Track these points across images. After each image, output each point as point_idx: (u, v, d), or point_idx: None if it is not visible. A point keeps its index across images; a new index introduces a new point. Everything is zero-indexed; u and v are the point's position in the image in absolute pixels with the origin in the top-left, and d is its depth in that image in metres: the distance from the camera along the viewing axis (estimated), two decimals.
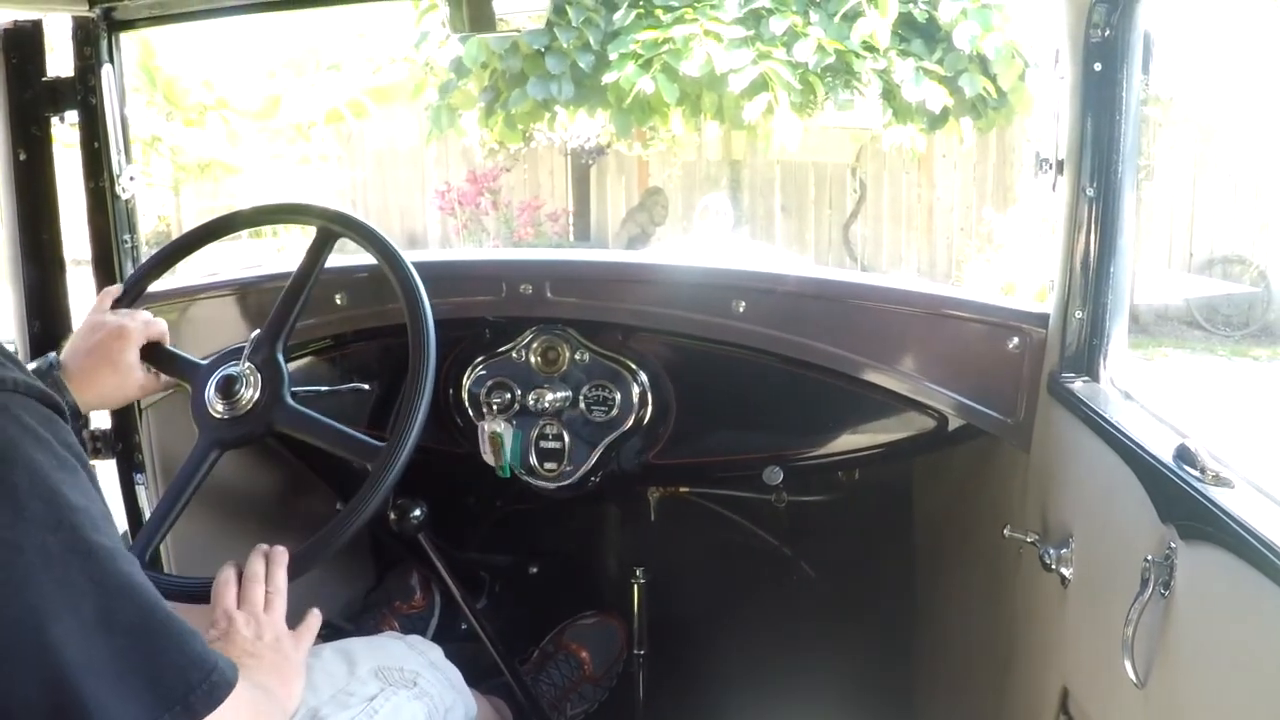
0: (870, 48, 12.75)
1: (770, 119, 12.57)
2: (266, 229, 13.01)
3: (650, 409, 2.93)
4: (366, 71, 16.20)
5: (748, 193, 17.54)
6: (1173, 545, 1.84)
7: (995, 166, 16.95)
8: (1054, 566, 2.34)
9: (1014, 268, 14.33)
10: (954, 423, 2.83)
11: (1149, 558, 1.88)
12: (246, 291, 3.12)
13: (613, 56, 12.70)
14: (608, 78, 12.77)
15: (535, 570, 3.70)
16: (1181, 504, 1.84)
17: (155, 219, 13.68)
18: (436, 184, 17.55)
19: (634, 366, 2.91)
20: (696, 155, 17.07)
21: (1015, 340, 2.66)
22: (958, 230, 17.15)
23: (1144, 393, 2.37)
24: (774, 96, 12.41)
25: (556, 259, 3.65)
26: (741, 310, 2.80)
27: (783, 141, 12.79)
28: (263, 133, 15.16)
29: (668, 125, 14.37)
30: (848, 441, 3.02)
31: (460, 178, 17.38)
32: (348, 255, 2.77)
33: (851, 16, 12.62)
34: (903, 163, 16.31)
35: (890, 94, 13.13)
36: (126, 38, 3.06)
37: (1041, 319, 2.62)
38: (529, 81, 13.23)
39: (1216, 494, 1.77)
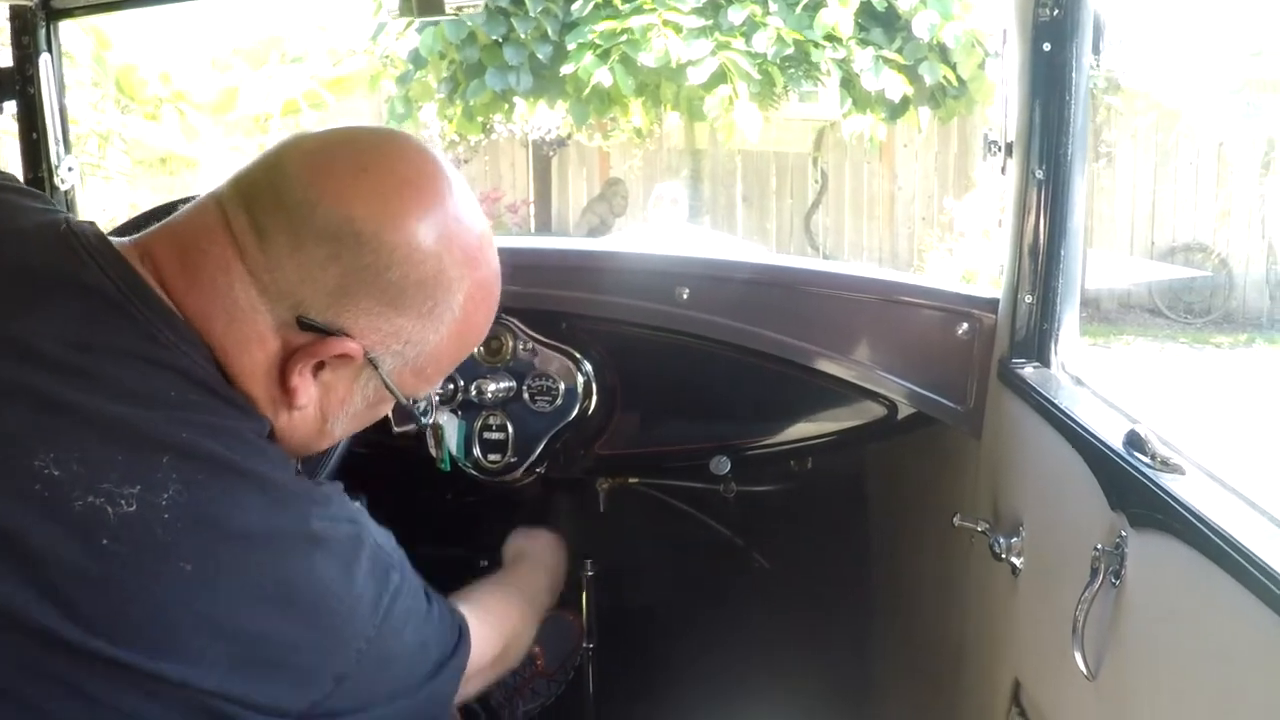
0: (831, 37, 12.75)
1: (730, 110, 12.56)
2: None
3: (595, 399, 2.88)
4: (328, 64, 16.13)
5: (709, 183, 17.57)
6: (1123, 534, 1.80)
7: (956, 156, 17.04)
8: (1004, 556, 2.30)
9: (975, 256, 14.36)
10: (904, 410, 2.79)
11: (1099, 546, 1.84)
12: None
13: (571, 47, 12.72)
14: (566, 69, 12.80)
15: (486, 564, 3.64)
16: (1131, 491, 1.80)
17: (125, 210, 13.53)
18: None
19: (578, 356, 2.85)
20: (657, 146, 17.06)
21: (965, 326, 2.63)
22: (919, 219, 17.24)
23: (1095, 378, 2.33)
24: (733, 88, 12.40)
25: (497, 247, 3.58)
26: (685, 297, 2.76)
27: (743, 132, 12.78)
28: (219, 125, 15.05)
29: (628, 116, 14.38)
30: (796, 430, 2.98)
31: None
32: None
33: (812, 6, 12.62)
34: (864, 152, 16.35)
35: (850, 83, 13.13)
36: (74, 29, 3.01)
37: (992, 304, 2.58)
38: (487, 72, 13.26)
39: (1167, 481, 1.72)
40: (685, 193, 12.45)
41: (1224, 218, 16.46)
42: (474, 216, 1.67)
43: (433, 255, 1.58)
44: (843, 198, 17.67)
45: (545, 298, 2.84)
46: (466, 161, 17.54)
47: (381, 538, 1.66)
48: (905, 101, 13.24)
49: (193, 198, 2.84)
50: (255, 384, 1.57)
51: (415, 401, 1.77)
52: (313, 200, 1.54)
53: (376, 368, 1.61)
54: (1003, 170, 2.47)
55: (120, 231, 2.69)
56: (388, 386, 1.65)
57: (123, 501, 1.39)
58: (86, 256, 1.54)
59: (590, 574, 3.22)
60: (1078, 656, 1.86)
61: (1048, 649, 2.11)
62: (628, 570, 3.39)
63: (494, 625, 2.11)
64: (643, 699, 3.41)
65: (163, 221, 1.63)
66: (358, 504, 1.69)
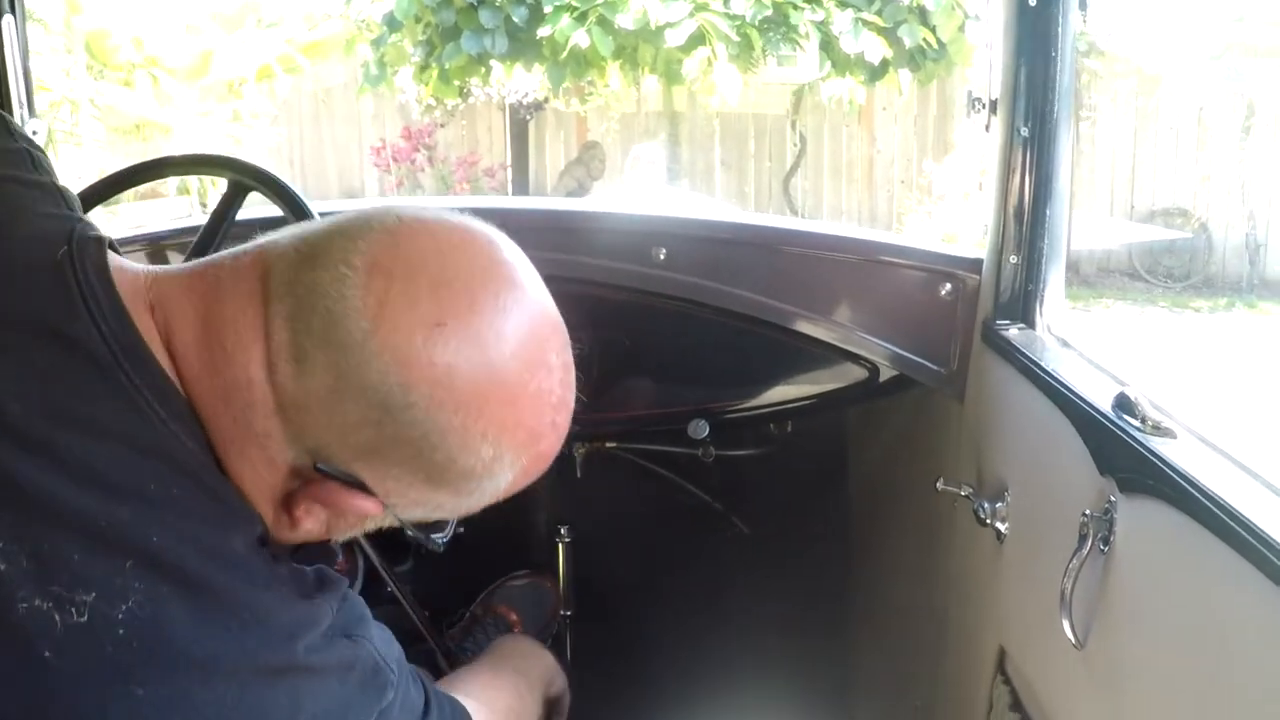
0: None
1: (709, 73, 12.54)
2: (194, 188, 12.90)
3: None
4: (304, 28, 16.05)
5: (687, 146, 17.53)
6: (1112, 499, 1.77)
7: (936, 119, 17.02)
8: (989, 521, 2.26)
9: (954, 219, 14.38)
10: (886, 373, 2.76)
11: (1087, 512, 1.80)
12: (157, 246, 3.00)
13: (547, 10, 12.66)
14: (542, 31, 12.73)
15: (462, 530, 3.59)
16: (1121, 455, 1.76)
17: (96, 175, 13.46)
18: (374, 142, 17.45)
19: None
20: (635, 109, 17.03)
21: (948, 287, 2.58)
22: (898, 183, 17.22)
23: (1082, 340, 2.30)
24: (712, 50, 12.36)
25: (470, 207, 3.52)
26: (662, 258, 2.70)
27: (722, 95, 12.77)
28: (193, 90, 14.96)
29: (605, 79, 14.32)
30: (776, 393, 2.95)
31: (398, 135, 17.30)
32: (259, 208, 2.66)
33: None
34: (843, 116, 16.33)
35: (829, 45, 13.10)
36: None
37: (975, 265, 2.54)
38: (462, 36, 13.17)
39: (1157, 445, 1.69)
40: (663, 154, 12.43)
41: (1204, 182, 16.48)
42: (556, 382, 1.45)
43: (491, 443, 1.38)
44: (821, 161, 17.66)
45: None
46: (443, 125, 17.49)
47: (381, 646, 1.47)
48: (885, 64, 13.22)
49: (164, 160, 2.78)
50: (255, 494, 1.39)
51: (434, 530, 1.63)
52: (371, 350, 1.31)
53: (395, 513, 1.45)
54: (986, 128, 2.43)
55: (89, 197, 2.65)
56: (403, 525, 1.48)
57: (73, 609, 1.21)
58: (79, 298, 1.33)
59: (567, 540, 3.19)
60: (1065, 625, 1.82)
61: (1034, 617, 2.07)
62: (606, 536, 3.35)
63: (499, 716, 1.98)
64: (621, 666, 3.38)
65: (190, 264, 1.42)
66: (360, 601, 1.50)
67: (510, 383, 1.38)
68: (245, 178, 2.59)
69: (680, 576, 3.54)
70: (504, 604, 3.25)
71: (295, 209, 2.49)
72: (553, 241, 2.79)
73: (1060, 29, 2.29)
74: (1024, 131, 2.34)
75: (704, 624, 3.44)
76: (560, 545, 3.18)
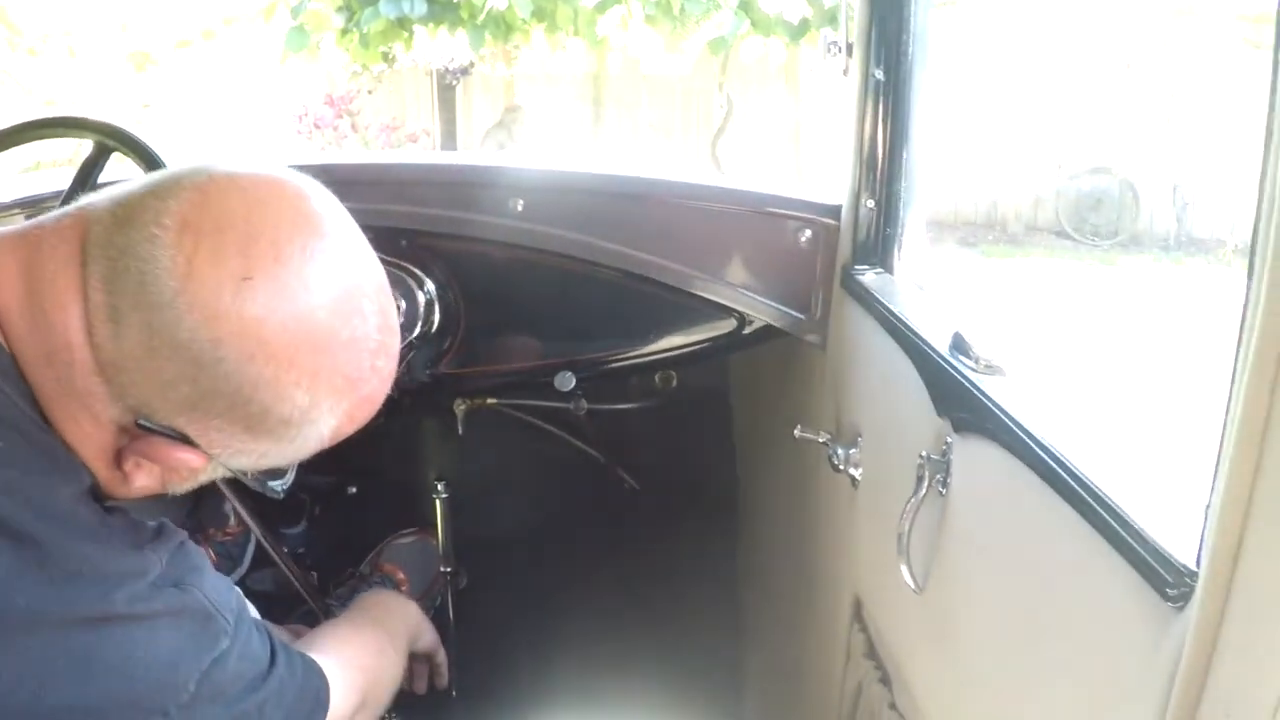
0: None
1: (625, 31, 12.52)
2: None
3: (438, 317, 2.80)
4: None
5: (614, 110, 17.49)
6: (949, 440, 1.76)
7: None
8: (843, 467, 2.25)
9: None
10: (754, 322, 2.73)
11: (924, 454, 1.78)
12: (38, 208, 2.93)
13: None
14: None
15: (354, 490, 3.59)
16: (955, 395, 1.76)
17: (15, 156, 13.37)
18: (300, 110, 17.37)
19: (419, 274, 2.76)
20: (562, 72, 17.01)
21: (808, 234, 2.56)
22: (827, 141, 17.24)
23: (937, 284, 2.28)
24: (627, 9, 12.32)
25: (330, 162, 3.48)
26: (520, 209, 2.67)
27: (641, 55, 12.77)
28: (112, 60, 14.85)
29: (529, 42, 14.27)
30: (645, 345, 2.91)
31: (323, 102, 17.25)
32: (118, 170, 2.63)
33: None
34: (769, 77, 16.33)
35: (748, 6, 13.07)
36: None
37: (834, 211, 2.52)
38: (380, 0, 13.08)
39: (986, 384, 1.68)
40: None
41: (1132, 140, 16.56)
42: (372, 328, 1.48)
43: (306, 391, 1.42)
44: (750, 122, 17.65)
45: (380, 213, 2.73)
46: (371, 92, 17.42)
47: (214, 595, 1.51)
48: (805, 24, 13.19)
49: (18, 127, 2.72)
50: (84, 450, 1.42)
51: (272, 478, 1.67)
52: (179, 309, 1.34)
53: (222, 463, 1.48)
54: (845, 72, 2.41)
55: None
56: (237, 475, 1.53)
57: None
58: None
59: (444, 496, 3.17)
60: (904, 570, 1.81)
61: (883, 563, 2.07)
62: (488, 492, 3.33)
63: (355, 671, 1.96)
64: (506, 621, 3.38)
65: (14, 227, 1.44)
66: (197, 552, 1.54)
67: (321, 331, 1.42)
68: (104, 138, 2.56)
69: (570, 531, 3.53)
70: (390, 562, 3.24)
71: (154, 169, 2.46)
72: (415, 195, 2.76)
73: None
74: (878, 75, 2.32)
75: (593, 578, 3.44)
76: (438, 501, 3.16)
